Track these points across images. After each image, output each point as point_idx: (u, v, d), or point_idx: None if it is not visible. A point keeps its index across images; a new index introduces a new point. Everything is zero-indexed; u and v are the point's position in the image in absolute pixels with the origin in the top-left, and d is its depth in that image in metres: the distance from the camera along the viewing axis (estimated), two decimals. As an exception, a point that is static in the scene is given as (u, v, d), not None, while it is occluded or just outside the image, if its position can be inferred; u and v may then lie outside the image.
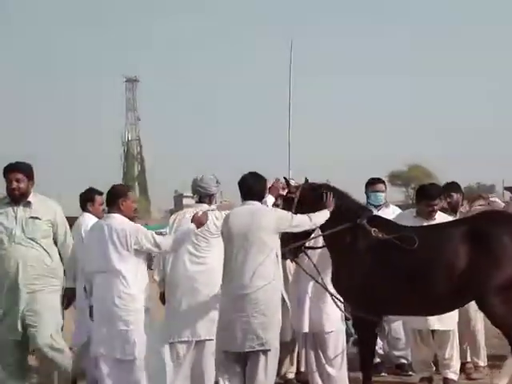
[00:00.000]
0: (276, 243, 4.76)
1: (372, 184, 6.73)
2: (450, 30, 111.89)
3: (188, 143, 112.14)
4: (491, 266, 4.68)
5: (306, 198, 5.15)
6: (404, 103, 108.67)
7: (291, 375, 5.97)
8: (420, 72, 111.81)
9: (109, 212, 5.15)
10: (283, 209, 5.24)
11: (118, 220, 5.01)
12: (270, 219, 4.75)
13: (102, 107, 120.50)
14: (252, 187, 4.91)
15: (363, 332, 5.06)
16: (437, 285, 4.77)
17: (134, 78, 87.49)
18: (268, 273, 4.66)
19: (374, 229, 4.91)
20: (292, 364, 5.97)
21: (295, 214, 4.96)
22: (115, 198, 5.09)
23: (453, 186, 6.62)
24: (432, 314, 5.37)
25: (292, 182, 5.44)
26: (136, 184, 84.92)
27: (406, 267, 4.85)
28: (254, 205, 4.87)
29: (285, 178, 5.45)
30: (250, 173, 5.03)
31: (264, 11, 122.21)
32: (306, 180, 5.36)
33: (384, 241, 4.87)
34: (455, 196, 6.46)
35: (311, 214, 4.92)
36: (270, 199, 5.56)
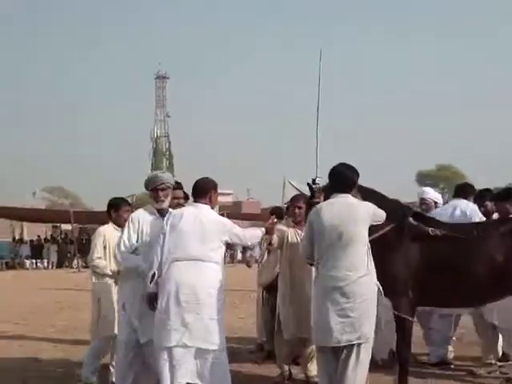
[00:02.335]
0: (366, 235, 4.71)
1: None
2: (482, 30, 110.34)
3: (216, 140, 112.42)
4: None
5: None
6: (434, 101, 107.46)
7: (314, 372, 5.91)
8: (449, 70, 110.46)
9: (196, 201, 5.12)
10: (307, 215, 5.23)
11: (210, 211, 5.10)
12: (365, 211, 4.72)
13: (131, 103, 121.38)
14: (344, 179, 4.83)
15: (402, 324, 5.09)
16: (477, 280, 5.05)
17: (164, 75, 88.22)
18: (363, 265, 4.60)
19: (431, 228, 5.15)
20: (313, 362, 5.90)
21: None
22: (208, 190, 5.12)
23: (486, 194, 6.93)
24: (470, 306, 5.67)
25: (319, 180, 5.43)
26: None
27: (449, 263, 5.10)
28: (347, 197, 4.78)
29: (308, 183, 5.42)
30: (342, 164, 4.92)
31: (295, 12, 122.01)
32: (313, 181, 5.36)
33: (427, 237, 5.11)
34: (489, 204, 6.70)
35: None
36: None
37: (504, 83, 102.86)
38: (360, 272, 4.58)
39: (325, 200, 5.04)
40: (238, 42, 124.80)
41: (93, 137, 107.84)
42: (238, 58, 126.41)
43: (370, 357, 4.71)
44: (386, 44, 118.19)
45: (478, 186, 7.39)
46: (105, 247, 6.04)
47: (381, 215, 4.87)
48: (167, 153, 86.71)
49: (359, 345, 4.56)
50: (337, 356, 4.64)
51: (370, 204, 4.81)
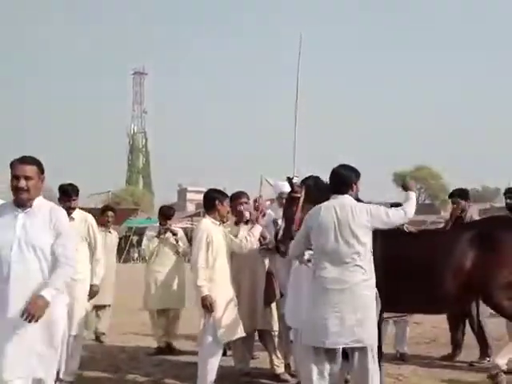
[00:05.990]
0: (370, 239, 4.57)
1: None
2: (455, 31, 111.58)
3: (193, 138, 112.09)
4: (497, 264, 5.01)
5: (311, 196, 5.09)
6: (410, 102, 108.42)
7: (281, 369, 5.93)
8: (427, 70, 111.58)
9: None
10: (287, 209, 5.22)
11: None
12: (363, 213, 4.56)
13: (108, 99, 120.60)
14: (343, 180, 4.71)
15: None
16: (445, 283, 5.00)
17: (142, 71, 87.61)
18: (363, 268, 4.49)
19: (406, 225, 5.14)
20: (278, 357, 5.94)
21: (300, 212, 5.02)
22: None
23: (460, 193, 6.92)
24: (439, 312, 5.53)
25: (296, 179, 5.41)
26: (140, 177, 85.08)
27: (416, 266, 5.05)
28: (346, 198, 4.66)
29: (288, 177, 5.40)
30: (342, 165, 4.82)
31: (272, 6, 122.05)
32: (289, 179, 5.33)
33: (394, 238, 5.05)
34: (462, 203, 6.74)
35: (403, 207, 4.70)
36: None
37: (480, 84, 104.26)
38: (361, 275, 4.47)
39: (306, 198, 5.04)
40: (216, 39, 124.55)
41: (67, 132, 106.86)
42: (214, 54, 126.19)
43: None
44: (360, 45, 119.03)
45: (454, 187, 7.36)
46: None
47: (387, 217, 4.60)
48: (144, 149, 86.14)
49: (361, 349, 4.47)
50: (330, 357, 4.54)
51: (369, 206, 4.67)
